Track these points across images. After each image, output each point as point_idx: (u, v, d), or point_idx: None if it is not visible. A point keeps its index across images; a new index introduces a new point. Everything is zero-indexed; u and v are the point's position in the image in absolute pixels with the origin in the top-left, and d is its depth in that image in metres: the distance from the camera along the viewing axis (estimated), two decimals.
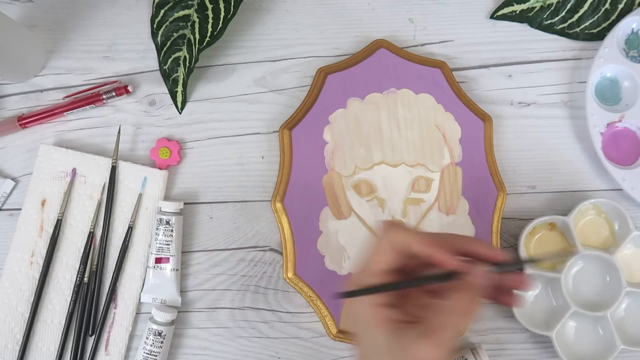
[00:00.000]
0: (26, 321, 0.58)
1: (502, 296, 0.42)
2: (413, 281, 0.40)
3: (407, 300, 0.41)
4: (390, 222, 0.40)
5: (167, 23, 0.61)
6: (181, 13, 0.60)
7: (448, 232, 0.41)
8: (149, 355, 0.57)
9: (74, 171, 0.60)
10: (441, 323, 0.38)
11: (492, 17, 0.63)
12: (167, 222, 0.58)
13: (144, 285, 0.59)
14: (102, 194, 0.60)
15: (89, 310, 0.59)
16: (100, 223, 0.60)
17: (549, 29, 0.62)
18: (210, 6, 0.60)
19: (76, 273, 0.59)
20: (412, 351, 0.37)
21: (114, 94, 0.61)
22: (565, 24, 0.62)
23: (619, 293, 0.56)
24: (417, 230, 0.39)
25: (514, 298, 0.41)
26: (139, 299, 0.59)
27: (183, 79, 0.60)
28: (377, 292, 0.39)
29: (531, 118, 0.62)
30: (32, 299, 0.58)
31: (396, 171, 0.59)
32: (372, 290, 0.39)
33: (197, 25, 0.60)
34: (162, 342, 0.57)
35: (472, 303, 0.38)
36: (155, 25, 0.61)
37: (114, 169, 0.60)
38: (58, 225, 0.59)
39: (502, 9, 0.62)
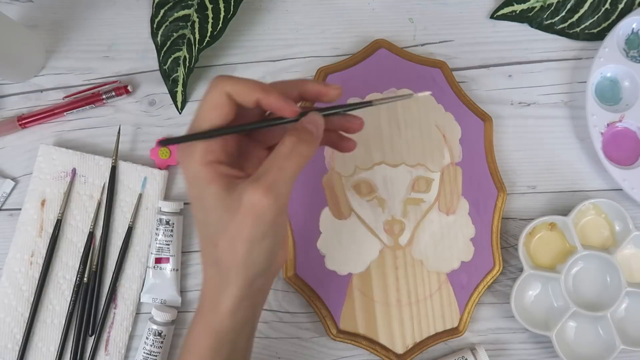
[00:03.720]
0: (26, 321, 0.58)
1: (339, 142, 0.44)
2: (241, 126, 0.38)
3: (247, 160, 0.41)
4: (220, 75, 0.38)
5: (167, 23, 0.61)
6: (181, 13, 0.60)
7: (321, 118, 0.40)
8: (149, 355, 0.57)
9: (73, 171, 0.60)
10: (265, 167, 0.37)
11: (492, 17, 0.63)
12: (167, 222, 0.58)
13: (144, 285, 0.59)
14: (102, 194, 0.60)
15: (89, 310, 0.59)
16: (100, 223, 0.60)
17: (549, 29, 0.62)
18: (210, 6, 0.60)
19: (76, 273, 0.59)
20: (242, 199, 0.36)
21: (114, 94, 0.61)
22: (565, 24, 0.62)
23: (619, 293, 0.56)
24: (239, 78, 0.38)
25: (348, 143, 0.44)
26: (139, 299, 0.59)
27: (183, 79, 0.60)
28: (201, 138, 0.37)
29: (531, 118, 0.62)
30: (32, 299, 0.58)
31: (396, 171, 0.59)
32: (196, 137, 0.37)
33: (197, 25, 0.60)
34: (162, 342, 0.57)
35: (293, 146, 0.38)
36: (155, 25, 0.61)
37: (114, 169, 0.60)
38: (58, 225, 0.59)
39: (502, 9, 0.62)
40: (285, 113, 0.39)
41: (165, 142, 0.38)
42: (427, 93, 0.42)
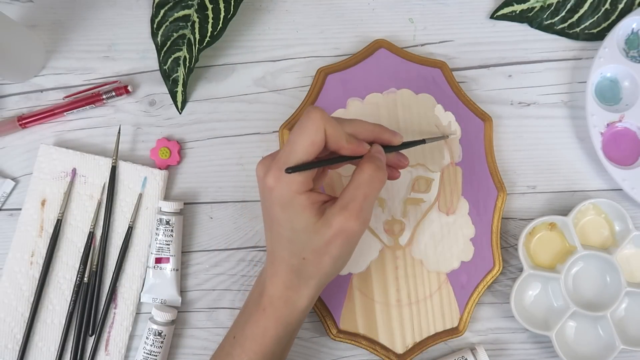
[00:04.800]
0: (26, 321, 0.58)
1: (389, 173, 0.50)
2: (337, 159, 0.45)
3: (320, 184, 0.49)
4: (313, 108, 0.43)
5: (167, 23, 0.61)
6: (181, 13, 0.60)
7: (376, 140, 0.48)
8: (149, 355, 0.57)
9: (74, 171, 0.60)
10: (352, 195, 0.44)
11: (492, 17, 0.63)
12: (167, 222, 0.58)
13: (144, 285, 0.59)
14: (102, 194, 0.60)
15: (89, 310, 0.59)
16: (100, 223, 0.60)
17: (549, 29, 0.62)
18: (210, 6, 0.60)
19: (76, 273, 0.59)
20: (333, 225, 0.43)
21: (114, 94, 0.61)
22: (565, 24, 0.62)
23: (619, 293, 0.56)
24: (333, 121, 0.44)
25: (395, 173, 0.51)
26: (139, 299, 0.59)
27: (183, 79, 0.60)
28: (314, 167, 0.44)
29: (531, 118, 0.62)
30: (32, 299, 0.59)
31: None
32: (311, 166, 0.43)
33: (197, 25, 0.60)
34: (162, 342, 0.57)
35: (373, 173, 0.44)
36: (155, 25, 0.61)
37: (114, 169, 0.60)
38: (58, 225, 0.59)
39: (502, 9, 0.62)
40: (360, 154, 0.46)
41: (291, 170, 0.42)
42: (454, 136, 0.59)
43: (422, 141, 0.53)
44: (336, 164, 0.46)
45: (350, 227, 0.43)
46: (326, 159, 0.45)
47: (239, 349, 0.48)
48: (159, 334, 0.57)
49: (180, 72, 0.60)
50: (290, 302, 0.47)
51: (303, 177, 0.43)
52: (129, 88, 0.61)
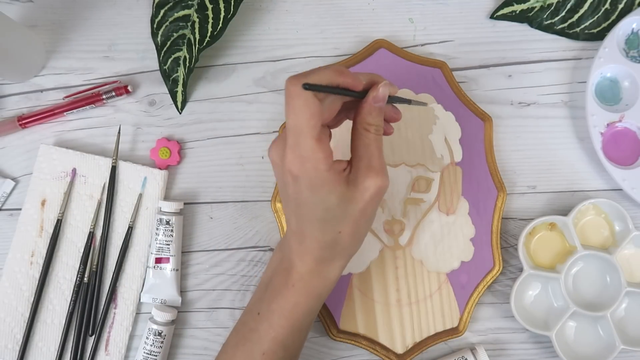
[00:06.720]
0: (26, 321, 0.58)
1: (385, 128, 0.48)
2: (342, 90, 0.43)
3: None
4: (288, 82, 0.40)
5: (167, 23, 0.61)
6: (181, 13, 0.60)
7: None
8: (149, 355, 0.57)
9: (74, 171, 0.60)
10: (370, 152, 0.44)
11: (492, 17, 0.63)
12: (167, 222, 0.58)
13: (144, 285, 0.59)
14: (102, 194, 0.60)
15: (89, 310, 0.59)
16: (100, 223, 0.60)
17: (549, 29, 0.62)
18: (210, 6, 0.60)
19: (76, 273, 0.59)
20: (368, 187, 0.43)
21: (114, 94, 0.61)
22: (565, 24, 0.62)
23: (619, 293, 0.56)
24: (317, 70, 0.42)
25: (389, 128, 0.49)
26: (139, 299, 0.59)
27: (183, 79, 0.60)
28: (326, 91, 0.41)
29: (531, 118, 0.62)
30: (32, 299, 0.59)
31: (396, 171, 0.59)
32: (325, 89, 0.41)
33: (197, 25, 0.60)
34: (162, 342, 0.57)
35: (379, 125, 0.44)
36: (155, 25, 0.61)
37: (114, 169, 0.60)
38: (58, 225, 0.59)
39: (502, 9, 0.62)
40: (357, 89, 0.44)
41: (308, 87, 0.39)
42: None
43: (408, 101, 0.50)
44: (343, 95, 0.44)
45: (382, 183, 0.43)
46: (336, 88, 0.43)
47: (266, 323, 0.48)
48: (159, 334, 0.57)
49: (180, 72, 0.60)
50: (323, 274, 0.47)
51: (324, 151, 0.41)
52: (129, 88, 0.61)
